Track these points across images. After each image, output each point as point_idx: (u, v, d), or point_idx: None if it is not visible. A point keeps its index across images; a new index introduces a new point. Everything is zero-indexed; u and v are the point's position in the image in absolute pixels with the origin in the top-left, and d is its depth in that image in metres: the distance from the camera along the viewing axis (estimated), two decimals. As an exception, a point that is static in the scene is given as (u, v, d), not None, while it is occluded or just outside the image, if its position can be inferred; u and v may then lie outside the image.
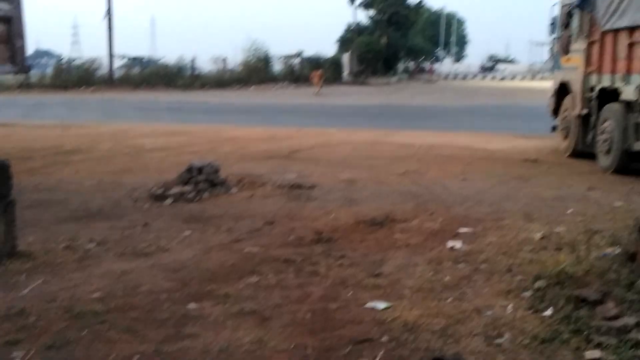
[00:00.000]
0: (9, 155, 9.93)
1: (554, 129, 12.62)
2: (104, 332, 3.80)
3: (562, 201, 7.66)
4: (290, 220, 6.66)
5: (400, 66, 58.05)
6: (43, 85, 39.31)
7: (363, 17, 55.68)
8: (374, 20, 53.64)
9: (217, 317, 4.04)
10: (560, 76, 12.21)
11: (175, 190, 7.71)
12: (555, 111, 12.49)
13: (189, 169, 8.06)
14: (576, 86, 11.09)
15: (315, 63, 47.16)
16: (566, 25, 11.65)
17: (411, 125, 17.93)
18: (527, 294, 4.37)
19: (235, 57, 49.83)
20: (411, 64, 65.22)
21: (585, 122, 10.75)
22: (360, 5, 54.28)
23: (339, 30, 56.45)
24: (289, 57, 47.44)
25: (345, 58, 48.85)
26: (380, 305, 4.23)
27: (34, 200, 7.52)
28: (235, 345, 3.65)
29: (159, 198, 7.59)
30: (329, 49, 67.80)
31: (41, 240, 5.73)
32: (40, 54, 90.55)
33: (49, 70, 45.37)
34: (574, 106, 11.22)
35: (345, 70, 48.32)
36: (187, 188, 7.79)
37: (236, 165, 10.27)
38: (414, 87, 45.26)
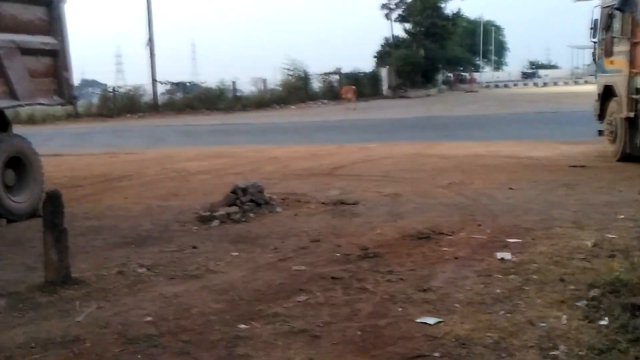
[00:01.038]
0: (59, 185, 10.26)
1: (600, 133, 12.38)
2: (158, 355, 3.86)
3: (612, 207, 7.49)
4: (336, 237, 6.66)
5: (440, 77, 57.72)
6: (90, 115, 40.28)
7: (400, 30, 55.57)
8: (411, 33, 53.50)
9: (268, 337, 4.06)
10: (604, 79, 11.99)
11: (222, 211, 7.80)
12: (601, 115, 12.26)
13: (234, 190, 8.14)
14: (621, 89, 10.87)
15: (353, 79, 47.22)
16: (608, 27, 11.46)
17: (454, 136, 17.80)
18: (582, 303, 4.28)
19: (274, 77, 50.33)
20: (451, 75, 64.79)
21: (633, 124, 10.52)
22: (396, 19, 54.28)
23: (376, 45, 56.35)
24: (327, 75, 47.62)
25: (384, 72, 48.80)
26: (431, 320, 4.18)
27: (85, 228, 7.70)
28: (287, 364, 3.65)
29: (206, 220, 7.68)
30: (367, 64, 67.94)
31: (93, 267, 5.86)
32: (86, 84, 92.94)
33: (95, 100, 46.50)
34: (620, 109, 10.99)
35: (384, 84, 48.26)
36: (233, 209, 7.87)
37: (280, 184, 10.34)
38: (455, 97, 44.94)
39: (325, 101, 42.58)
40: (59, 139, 23.33)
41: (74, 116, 38.81)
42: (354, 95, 37.87)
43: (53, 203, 5.28)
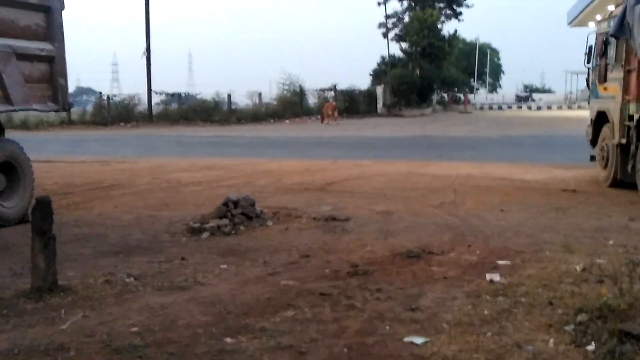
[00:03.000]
0: (50, 191, 10.21)
1: (592, 158, 12.44)
2: (142, 366, 3.82)
3: (602, 232, 7.51)
4: (326, 253, 6.64)
5: (435, 97, 57.97)
6: (84, 122, 40.18)
7: (396, 49, 55.90)
8: (408, 53, 53.78)
9: (254, 351, 4.03)
10: (597, 105, 12.07)
11: (212, 223, 7.77)
12: (594, 141, 12.32)
13: (226, 203, 8.12)
14: (614, 115, 10.94)
15: (349, 96, 47.44)
16: (602, 54, 11.54)
17: (447, 156, 17.85)
18: (569, 328, 4.27)
19: (270, 91, 50.37)
20: (445, 95, 65.09)
21: (625, 151, 10.58)
22: (393, 38, 54.62)
23: (372, 63, 56.62)
24: (323, 90, 47.75)
25: (379, 90, 48.99)
26: (418, 340, 4.17)
27: (74, 235, 7.66)
28: (272, 380, 3.63)
29: (196, 232, 7.66)
30: (362, 82, 68.17)
31: (80, 275, 5.81)
32: (81, 91, 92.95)
33: (90, 107, 46.42)
34: (612, 135, 11.06)
35: (380, 102, 48.44)
36: (224, 221, 7.84)
37: (272, 198, 10.33)
38: (449, 118, 45.13)
39: (320, 117, 42.62)
40: (51, 146, 23.25)
41: (68, 123, 38.75)
42: (334, 112, 38.70)
43: (42, 209, 5.24)
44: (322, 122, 38.71)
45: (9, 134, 9.95)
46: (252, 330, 4.41)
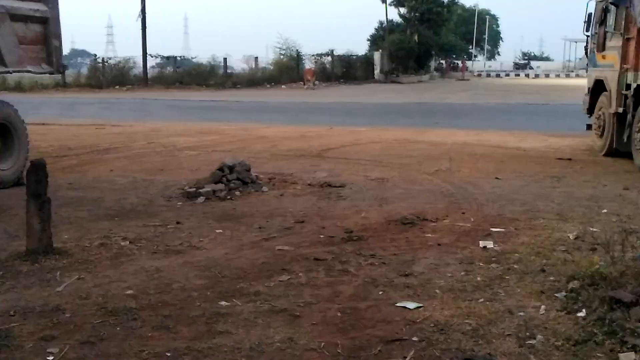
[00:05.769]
0: (45, 154, 10.18)
1: (588, 127, 12.43)
2: (137, 328, 3.86)
3: (596, 201, 7.54)
4: (321, 219, 6.67)
5: (433, 64, 57.54)
6: (78, 85, 39.89)
7: (395, 14, 55.24)
8: (406, 18, 53.14)
9: (248, 315, 4.07)
10: (595, 74, 12.02)
11: (208, 188, 7.78)
12: (590, 109, 12.29)
13: (221, 168, 8.12)
14: (612, 84, 10.90)
15: (346, 61, 47.11)
16: (602, 22, 11.43)
17: (443, 123, 17.82)
18: (561, 294, 4.32)
19: (267, 56, 49.99)
20: (443, 62, 64.64)
21: (621, 120, 10.57)
22: (391, 3, 53.95)
23: (370, 28, 55.96)
24: (320, 56, 47.36)
25: (377, 56, 48.56)
26: (411, 305, 4.21)
27: (69, 198, 7.66)
28: (266, 343, 3.67)
29: (191, 196, 7.67)
30: (360, 47, 67.56)
31: (76, 238, 5.84)
32: (76, 53, 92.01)
33: (84, 70, 46.04)
34: (609, 104, 11.03)
35: (377, 68, 48.09)
36: (219, 186, 7.85)
37: (267, 163, 10.32)
38: (447, 85, 44.91)
39: (317, 82, 42.39)
40: (45, 108, 23.11)
41: (62, 85, 38.48)
42: (313, 77, 41.01)
43: (37, 172, 5.23)
44: (304, 86, 40.32)
45: (3, 96, 9.88)
46: (247, 294, 4.44)
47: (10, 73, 9.09)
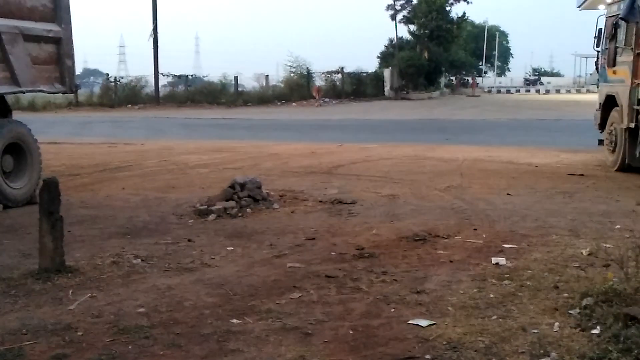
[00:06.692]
0: (57, 173, 10.24)
1: (600, 142, 12.38)
2: (149, 347, 3.85)
3: (609, 216, 7.49)
4: (332, 236, 6.66)
5: (443, 80, 57.61)
6: (91, 104, 40.28)
7: (404, 32, 55.43)
8: (416, 35, 53.34)
9: (260, 332, 4.05)
10: (606, 89, 11.99)
11: (219, 206, 7.79)
12: (602, 125, 12.25)
13: (232, 185, 8.14)
14: (623, 99, 10.87)
15: (356, 78, 47.28)
16: (612, 37, 11.44)
17: (454, 139, 17.80)
18: (574, 311, 4.27)
19: (277, 74, 50.23)
20: (453, 79, 64.68)
21: (633, 135, 10.53)
22: (401, 20, 54.17)
23: (380, 46, 56.19)
24: (330, 73, 47.54)
25: (387, 73, 48.70)
26: (423, 322, 4.18)
27: (81, 216, 7.70)
28: (278, 361, 3.65)
29: (203, 214, 7.68)
30: (370, 64, 67.75)
31: (88, 256, 5.85)
32: (88, 72, 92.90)
33: (97, 89, 46.45)
34: (621, 119, 10.99)
35: (387, 85, 48.20)
36: (230, 204, 7.86)
37: (278, 180, 10.34)
38: (457, 101, 44.92)
39: (327, 100, 42.54)
40: (58, 127, 23.32)
41: (75, 105, 38.86)
42: (319, 94, 41.54)
43: (50, 190, 5.27)
44: (314, 103, 40.84)
45: (17, 116, 9.97)
46: (258, 311, 4.43)
47: (24, 93, 9.19)
